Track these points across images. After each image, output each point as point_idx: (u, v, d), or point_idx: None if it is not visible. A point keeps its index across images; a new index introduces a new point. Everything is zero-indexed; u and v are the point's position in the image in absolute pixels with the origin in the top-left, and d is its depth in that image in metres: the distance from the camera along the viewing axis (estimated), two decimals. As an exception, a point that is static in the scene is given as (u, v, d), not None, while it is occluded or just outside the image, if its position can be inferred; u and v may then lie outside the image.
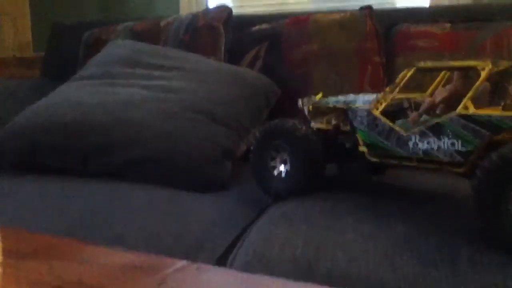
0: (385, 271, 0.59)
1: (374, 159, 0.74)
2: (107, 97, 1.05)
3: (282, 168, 0.82)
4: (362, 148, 0.74)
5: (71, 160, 0.98)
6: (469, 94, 0.63)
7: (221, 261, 0.70)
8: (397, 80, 0.73)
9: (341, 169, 0.90)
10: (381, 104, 0.73)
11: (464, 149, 0.63)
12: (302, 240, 0.65)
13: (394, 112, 0.75)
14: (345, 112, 0.77)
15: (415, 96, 0.81)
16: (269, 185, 0.83)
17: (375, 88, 1.18)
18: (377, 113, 0.72)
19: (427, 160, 0.67)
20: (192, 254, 0.69)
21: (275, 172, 0.82)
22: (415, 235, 0.63)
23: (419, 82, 1.00)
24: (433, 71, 0.76)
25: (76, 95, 1.09)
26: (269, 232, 0.69)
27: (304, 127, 0.79)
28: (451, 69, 0.72)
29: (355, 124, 0.75)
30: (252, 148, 0.85)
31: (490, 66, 0.64)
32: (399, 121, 0.72)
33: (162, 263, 0.43)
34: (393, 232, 0.65)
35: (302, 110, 0.87)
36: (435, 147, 0.66)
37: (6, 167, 1.01)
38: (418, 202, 0.75)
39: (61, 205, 0.80)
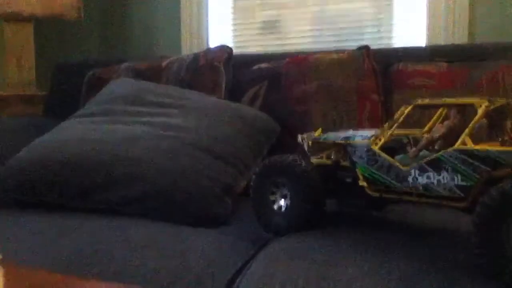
0: (387, 308, 0.58)
1: (374, 194, 0.74)
2: (108, 134, 1.06)
3: (282, 203, 0.82)
4: (362, 183, 0.75)
5: (70, 196, 0.98)
6: (467, 130, 0.64)
7: (221, 298, 0.69)
8: (396, 116, 0.74)
9: (341, 204, 0.90)
10: (380, 139, 0.73)
11: (463, 184, 0.63)
12: (303, 276, 0.65)
13: (393, 147, 0.76)
14: (344, 148, 0.78)
15: (414, 132, 0.82)
16: (269, 220, 0.83)
17: (373, 125, 1.19)
18: (376, 148, 0.73)
19: (427, 194, 0.68)
20: (192, 290, 0.68)
21: (275, 207, 0.82)
22: (416, 272, 0.63)
23: (417, 119, 1.01)
24: (431, 108, 0.77)
25: (76, 132, 1.10)
26: (270, 268, 0.69)
27: (304, 163, 0.80)
28: (448, 106, 0.74)
29: (355, 159, 0.75)
30: (252, 183, 0.86)
31: (486, 103, 0.65)
32: (399, 156, 0.73)
33: (162, 297, 0.42)
34: (394, 268, 0.64)
35: (301, 146, 0.88)
36: (435, 182, 0.66)
37: (8, 203, 1.01)
38: (419, 237, 0.75)
39: (60, 240, 0.79)
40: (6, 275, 0.48)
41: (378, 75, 1.28)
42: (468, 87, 1.19)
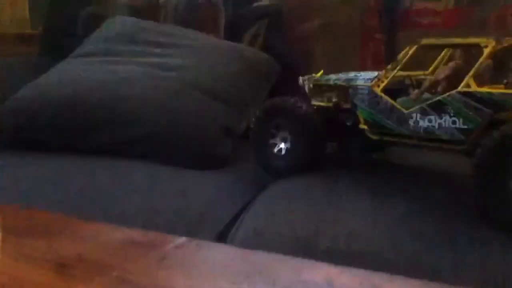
0: (384, 247, 0.59)
1: (374, 137, 0.73)
2: (106, 74, 1.05)
3: (282, 145, 0.82)
4: (363, 126, 0.74)
5: (70, 136, 0.97)
6: (471, 72, 0.63)
7: (221, 237, 0.70)
8: (399, 58, 0.72)
9: (341, 147, 0.90)
10: (382, 82, 0.72)
11: (465, 127, 0.63)
12: (302, 217, 0.66)
13: (396, 90, 0.75)
14: (346, 90, 0.77)
15: (417, 74, 0.80)
16: (269, 162, 0.83)
17: (376, 66, 1.17)
18: (378, 90, 0.71)
19: (428, 138, 0.67)
20: (192, 230, 0.70)
21: (275, 150, 0.82)
22: (415, 213, 0.64)
23: (421, 60, 0.99)
24: (436, 48, 0.75)
25: (74, 72, 1.08)
26: (269, 209, 0.70)
27: (304, 105, 0.79)
28: (454, 46, 0.72)
29: (356, 101, 0.74)
30: (252, 125, 0.85)
31: (493, 43, 0.63)
32: (401, 99, 0.72)
33: (162, 240, 0.43)
34: (393, 209, 0.65)
35: (302, 88, 0.87)
36: (436, 125, 0.65)
37: (5, 144, 1.01)
38: (418, 180, 0.76)
39: (60, 182, 0.80)
40: (3, 216, 0.48)
41: (382, 13, 1.24)
42: (475, 25, 1.15)
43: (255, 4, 1.35)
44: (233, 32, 1.33)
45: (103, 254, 0.40)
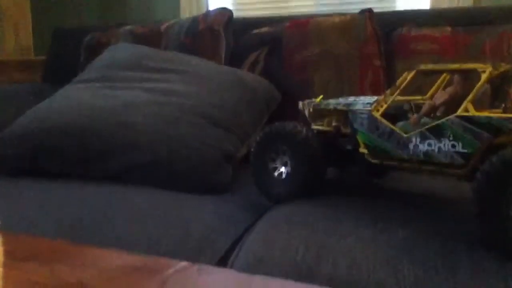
0: (385, 275, 0.59)
1: (374, 161, 0.74)
2: (108, 100, 1.06)
3: (282, 170, 0.82)
4: (363, 150, 0.74)
5: (70, 163, 0.98)
6: (470, 97, 0.64)
7: (222, 263, 0.70)
8: (398, 83, 0.73)
9: (341, 172, 0.90)
10: (381, 106, 0.73)
11: (465, 151, 0.63)
12: (303, 243, 0.65)
13: (395, 114, 0.75)
14: (345, 114, 0.77)
15: (416, 98, 0.81)
16: (269, 188, 0.83)
17: (375, 92, 1.18)
18: (377, 115, 0.72)
19: (428, 162, 0.67)
20: (193, 256, 0.69)
21: (276, 175, 0.82)
22: (416, 240, 0.63)
23: (419, 85, 1.00)
24: (434, 74, 0.76)
25: (76, 98, 1.09)
26: (270, 235, 0.69)
27: (304, 130, 0.79)
28: (451, 71, 0.72)
29: (356, 126, 0.75)
30: (252, 150, 0.85)
31: (490, 68, 0.64)
32: (400, 123, 0.72)
33: (163, 265, 0.43)
34: (393, 236, 0.65)
35: (302, 113, 0.87)
36: (436, 149, 0.66)
37: (7, 171, 1.01)
38: (419, 206, 0.75)
39: (61, 208, 0.80)
40: (6, 243, 0.48)
41: (380, 40, 1.26)
42: (472, 52, 1.17)
43: (255, 31, 1.37)
44: (234, 59, 1.35)
45: (104, 280, 0.40)
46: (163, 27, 1.44)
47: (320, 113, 0.84)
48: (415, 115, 0.72)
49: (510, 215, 0.57)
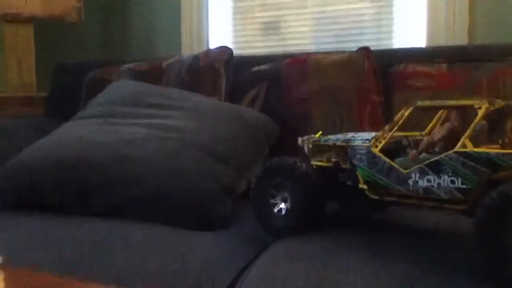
0: (387, 311, 0.58)
1: (374, 197, 0.74)
2: (108, 135, 1.06)
3: (282, 205, 0.82)
4: (362, 186, 0.75)
5: (70, 198, 0.98)
6: (467, 132, 0.64)
7: (222, 301, 0.69)
8: (396, 119, 0.74)
9: (341, 207, 0.90)
10: (380, 142, 0.73)
11: (464, 187, 0.63)
12: (304, 279, 0.65)
13: (393, 150, 0.76)
14: (344, 150, 0.78)
15: (414, 134, 0.82)
16: (270, 222, 0.83)
17: (374, 126, 1.19)
18: (376, 151, 0.73)
19: (428, 197, 0.68)
20: (192, 293, 0.69)
21: (276, 210, 0.82)
22: (417, 275, 0.63)
23: (417, 121, 1.01)
24: (431, 110, 0.78)
25: (77, 133, 1.10)
26: (270, 270, 0.69)
27: (304, 165, 0.80)
28: (448, 108, 0.74)
29: (355, 161, 0.75)
30: (252, 185, 0.86)
31: (486, 105, 0.65)
32: (399, 159, 0.73)
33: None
34: (394, 271, 0.64)
35: (302, 148, 0.88)
36: (435, 185, 0.66)
37: (7, 205, 1.01)
38: (420, 240, 0.75)
39: (61, 242, 0.79)
40: (6, 279, 0.48)
41: (378, 76, 1.28)
42: (468, 88, 1.18)
43: (255, 68, 1.39)
44: (234, 95, 1.37)
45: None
46: (164, 64, 1.46)
47: (319, 149, 0.85)
48: (414, 151, 0.72)
49: (511, 249, 0.57)
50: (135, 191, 0.94)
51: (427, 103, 0.73)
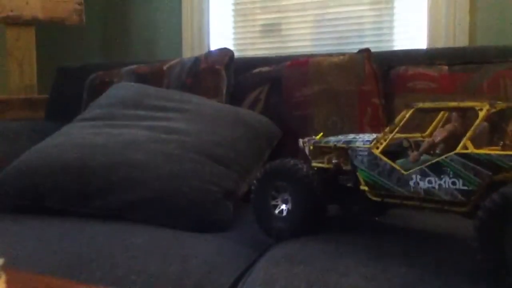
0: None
1: (375, 198, 0.74)
2: (109, 138, 1.06)
3: (283, 207, 0.82)
4: (363, 187, 0.74)
5: (71, 201, 0.98)
6: (468, 134, 0.64)
7: (223, 303, 0.69)
8: (397, 120, 0.74)
9: (342, 209, 0.90)
10: (381, 143, 0.73)
11: (465, 188, 0.63)
12: (304, 282, 0.65)
13: (394, 151, 0.76)
14: (345, 152, 0.78)
15: (415, 136, 0.82)
16: (270, 225, 0.83)
17: (375, 128, 1.19)
18: (377, 152, 0.73)
19: (429, 199, 0.67)
20: (193, 296, 0.68)
21: (276, 212, 0.82)
22: (418, 277, 0.63)
23: (418, 123, 1.01)
24: (432, 112, 0.77)
25: (78, 136, 1.10)
26: (271, 273, 0.68)
27: (305, 167, 0.80)
28: (449, 109, 0.73)
29: (356, 163, 0.75)
30: (253, 188, 0.85)
31: (487, 106, 0.65)
32: (400, 161, 0.73)
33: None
34: (395, 274, 0.64)
35: (303, 150, 0.88)
36: (436, 186, 0.66)
37: (8, 208, 1.01)
38: (421, 243, 0.75)
39: (62, 245, 0.79)
40: (8, 281, 0.48)
41: (379, 79, 1.28)
42: (469, 90, 1.18)
43: (256, 70, 1.39)
44: (235, 97, 1.37)
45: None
46: (165, 66, 1.46)
47: (320, 151, 0.84)
48: (415, 152, 0.72)
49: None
50: (137, 193, 0.94)
51: (428, 104, 0.73)
